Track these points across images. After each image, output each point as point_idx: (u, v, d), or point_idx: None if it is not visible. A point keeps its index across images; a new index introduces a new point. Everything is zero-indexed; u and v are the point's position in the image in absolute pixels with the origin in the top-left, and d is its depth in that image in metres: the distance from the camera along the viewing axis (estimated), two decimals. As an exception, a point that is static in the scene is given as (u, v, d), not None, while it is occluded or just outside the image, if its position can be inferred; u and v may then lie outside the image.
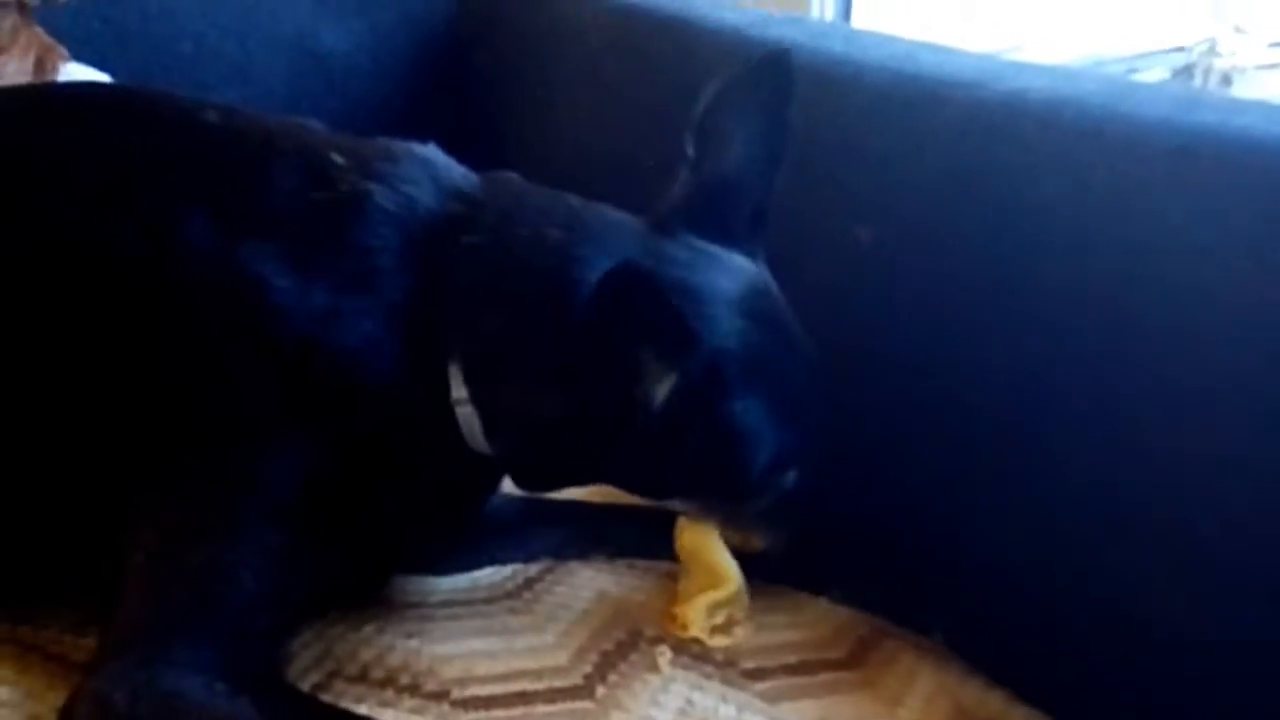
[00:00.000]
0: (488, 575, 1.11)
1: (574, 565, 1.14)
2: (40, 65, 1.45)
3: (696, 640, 1.03)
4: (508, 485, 1.16)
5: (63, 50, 1.45)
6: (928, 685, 1.03)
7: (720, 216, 0.98)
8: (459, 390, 0.91)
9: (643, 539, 1.15)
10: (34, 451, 0.92)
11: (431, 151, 0.98)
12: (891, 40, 1.37)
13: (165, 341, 0.89)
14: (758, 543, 1.08)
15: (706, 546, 1.06)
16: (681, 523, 1.08)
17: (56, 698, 0.86)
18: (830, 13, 1.85)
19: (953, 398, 1.15)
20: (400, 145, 0.97)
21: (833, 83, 1.26)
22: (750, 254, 0.99)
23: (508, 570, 1.12)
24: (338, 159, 0.93)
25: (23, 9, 1.40)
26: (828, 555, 1.17)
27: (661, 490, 1.01)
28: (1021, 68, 1.24)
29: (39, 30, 1.43)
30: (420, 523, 1.01)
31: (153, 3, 1.59)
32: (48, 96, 1.08)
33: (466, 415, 0.92)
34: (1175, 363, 0.96)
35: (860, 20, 1.89)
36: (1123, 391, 0.99)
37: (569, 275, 0.90)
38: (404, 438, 0.94)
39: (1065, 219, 1.04)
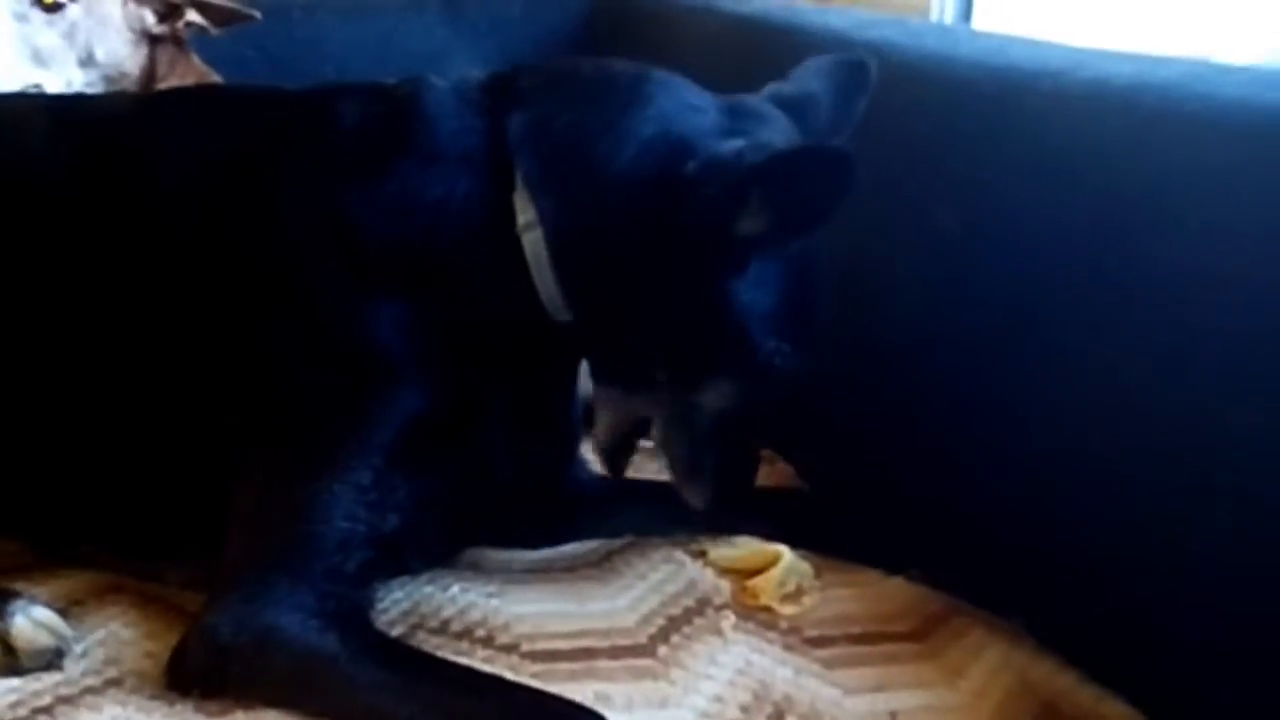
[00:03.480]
0: (571, 549, 1.18)
1: (654, 541, 1.19)
2: (198, 90, 1.60)
3: (766, 609, 1.07)
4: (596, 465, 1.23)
5: (217, 77, 1.60)
6: (994, 659, 1.03)
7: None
8: (526, 213, 0.97)
9: (721, 516, 1.19)
10: (154, 415, 1.02)
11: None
12: (985, 35, 1.39)
13: (267, 283, 0.99)
14: (680, 481, 1.08)
15: None
16: None
17: (172, 639, 0.96)
18: (950, 18, 1.85)
19: (1038, 383, 1.15)
20: None
21: (924, 77, 1.28)
22: None
23: (592, 544, 1.18)
24: (391, 82, 1.04)
25: (179, 42, 1.56)
26: (907, 535, 1.19)
27: (687, 351, 1.01)
28: (1108, 55, 1.23)
29: (196, 59, 1.59)
30: (502, 457, 1.05)
31: (300, 31, 1.74)
32: (160, 97, 1.21)
33: (534, 241, 0.96)
34: (1258, 356, 0.95)
35: (982, 25, 1.88)
36: (1204, 382, 0.98)
37: (645, 106, 0.97)
38: (481, 313, 0.99)
39: (1145, 201, 1.04)
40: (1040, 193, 1.14)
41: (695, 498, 1.06)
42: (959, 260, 1.22)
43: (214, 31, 1.56)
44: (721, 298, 0.96)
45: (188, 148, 1.04)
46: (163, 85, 1.52)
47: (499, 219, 0.97)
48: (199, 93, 1.16)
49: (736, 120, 1.00)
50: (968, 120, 1.23)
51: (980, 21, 1.87)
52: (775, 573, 1.09)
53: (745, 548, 1.15)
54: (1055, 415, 1.13)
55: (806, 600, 1.08)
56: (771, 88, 1.08)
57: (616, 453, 1.11)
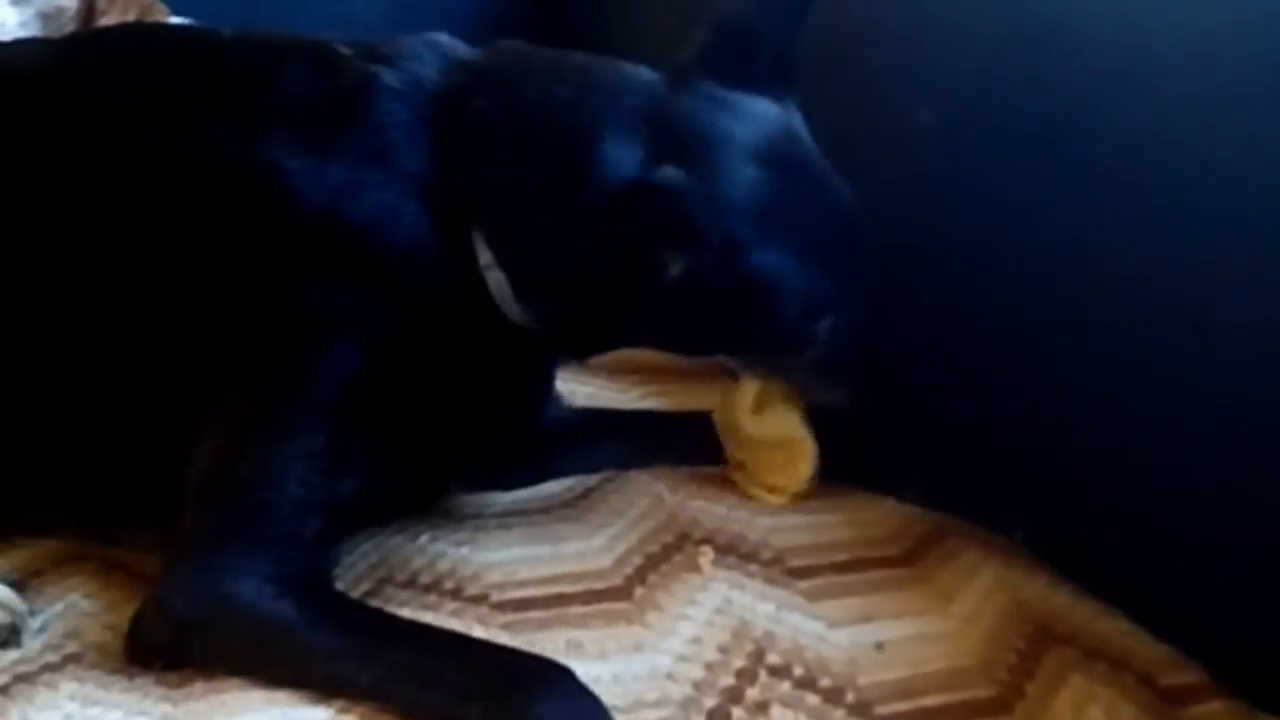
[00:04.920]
0: (548, 487, 1.14)
1: (634, 474, 1.15)
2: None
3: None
4: (575, 399, 1.19)
5: (162, 6, 1.53)
6: (987, 581, 1.00)
7: (740, 61, 0.97)
8: (485, 255, 0.94)
9: (707, 444, 1.15)
10: (103, 378, 0.97)
11: (438, 35, 1.01)
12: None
13: (207, 249, 0.94)
14: (816, 396, 1.08)
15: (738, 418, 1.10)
16: (742, 407, 1.10)
17: (133, 609, 0.92)
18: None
19: (1023, 286, 1.10)
20: (409, 35, 1.00)
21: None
22: (776, 98, 0.98)
23: (569, 482, 1.14)
24: (344, 50, 0.97)
25: None
26: (897, 452, 1.15)
27: (700, 347, 1.04)
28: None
29: None
30: (471, 417, 1.03)
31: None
32: (82, 41, 1.15)
33: (496, 280, 0.95)
34: (1255, 224, 0.90)
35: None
36: (1201, 260, 0.94)
37: (581, 138, 0.92)
38: (439, 311, 0.96)
39: (1126, 82, 0.98)
40: (1015, 82, 1.09)
41: (833, 401, 1.07)
42: (937, 156, 1.17)
43: None
44: (696, 309, 0.94)
45: (111, 98, 0.97)
46: (103, 20, 1.46)
47: (453, 250, 0.94)
48: (124, 37, 1.09)
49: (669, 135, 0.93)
50: (940, 12, 1.16)
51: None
52: (804, 468, 1.09)
53: (774, 425, 1.11)
54: (1042, 319, 1.09)
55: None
56: (718, 21, 0.99)
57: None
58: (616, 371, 1.35)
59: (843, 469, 1.13)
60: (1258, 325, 0.89)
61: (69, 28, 1.46)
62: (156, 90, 0.97)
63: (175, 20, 1.53)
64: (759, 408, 1.10)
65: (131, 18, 1.50)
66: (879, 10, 1.23)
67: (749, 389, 1.10)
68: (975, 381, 1.15)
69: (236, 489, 0.92)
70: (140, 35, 1.07)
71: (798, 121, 0.98)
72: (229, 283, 0.93)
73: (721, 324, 0.97)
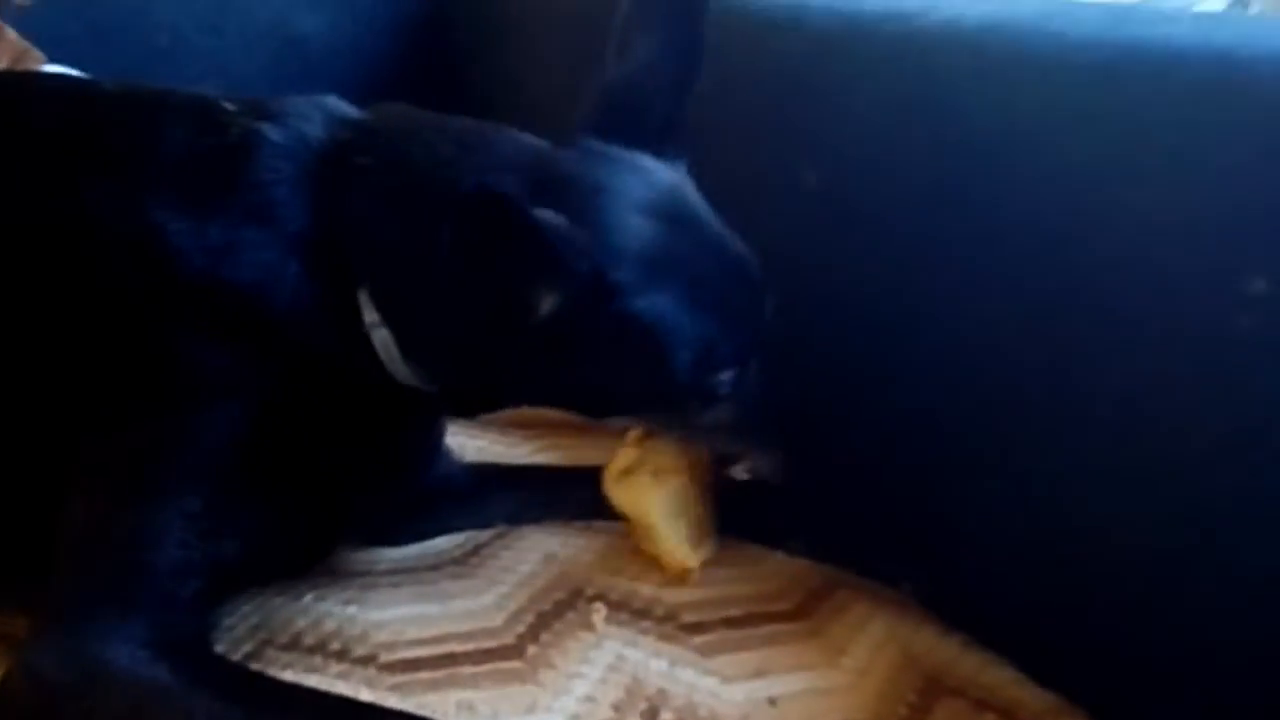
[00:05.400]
0: (438, 544, 1.11)
1: (526, 530, 1.13)
2: (15, 69, 1.48)
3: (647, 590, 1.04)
4: (466, 453, 1.17)
5: (38, 53, 1.48)
6: (878, 633, 1.01)
7: (628, 122, 0.96)
8: (370, 314, 0.91)
9: (600, 501, 1.14)
10: None
11: (326, 97, 0.99)
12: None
13: (81, 306, 0.90)
14: (743, 470, 1.06)
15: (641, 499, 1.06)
16: (611, 473, 1.07)
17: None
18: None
19: (909, 336, 1.12)
20: (296, 95, 0.98)
21: (775, 26, 1.24)
22: (665, 158, 0.97)
23: (460, 538, 1.12)
24: (229, 106, 0.95)
25: None
26: (788, 506, 1.15)
27: (593, 404, 0.98)
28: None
29: (11, 35, 1.45)
30: (357, 478, 1.01)
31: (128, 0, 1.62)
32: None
33: (382, 339, 0.92)
34: (1117, 289, 0.93)
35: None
36: (1073, 321, 0.96)
37: (458, 190, 0.86)
38: (324, 371, 0.93)
39: (998, 144, 1.00)
40: (898, 141, 1.11)
41: (765, 474, 1.04)
42: (824, 218, 1.18)
43: (23, 2, 1.43)
44: (577, 356, 0.89)
45: None
46: None
47: (338, 309, 0.91)
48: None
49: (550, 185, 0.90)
50: (821, 70, 1.18)
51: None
52: (668, 549, 1.06)
53: (631, 499, 1.07)
54: (931, 369, 1.10)
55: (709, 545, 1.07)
56: (606, 86, 0.99)
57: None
58: (507, 426, 1.33)
59: (732, 522, 1.13)
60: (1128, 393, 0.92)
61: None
62: (35, 140, 0.93)
63: (51, 69, 1.49)
64: (624, 476, 1.07)
65: (3, 64, 1.45)
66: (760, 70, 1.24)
67: (623, 455, 1.07)
68: (862, 436, 1.16)
69: (111, 548, 0.88)
70: (16, 82, 1.03)
71: (685, 180, 0.97)
72: (107, 339, 0.90)
73: (607, 375, 0.92)
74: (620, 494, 1.06)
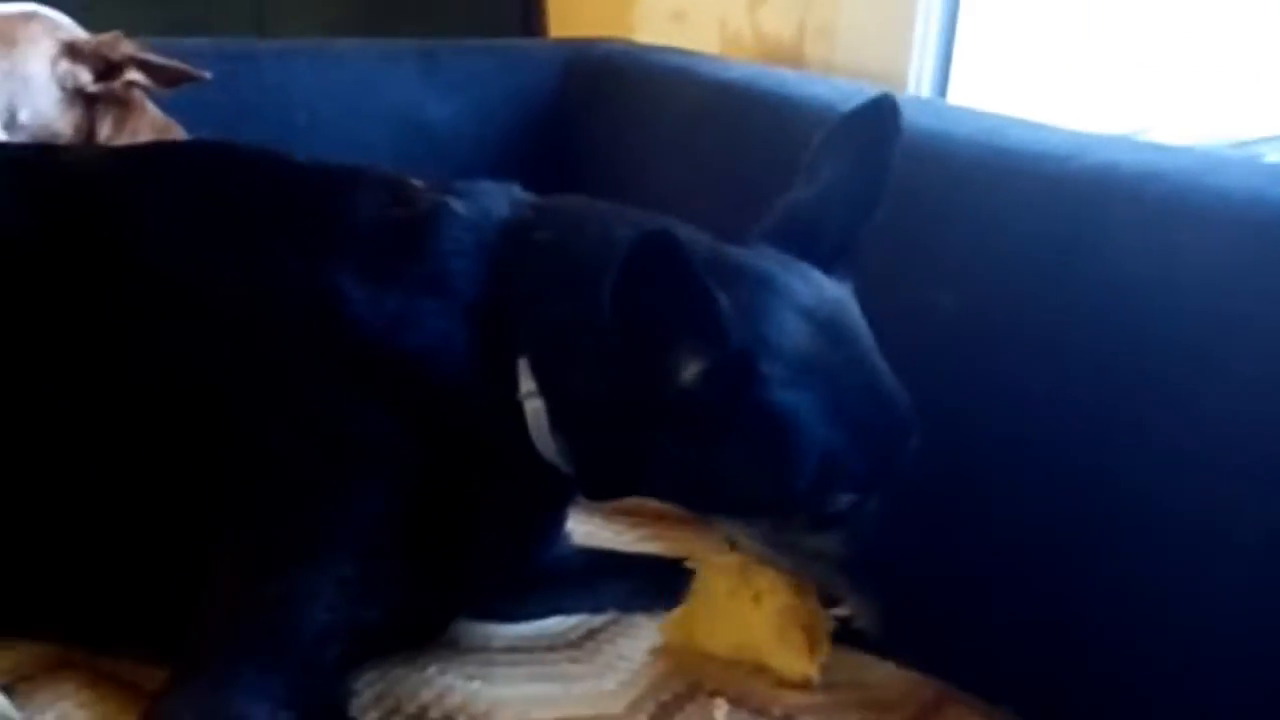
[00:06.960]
0: (553, 625, 1.12)
1: (639, 618, 1.14)
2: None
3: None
4: (575, 536, 1.19)
5: (179, 128, 1.52)
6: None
7: (803, 235, 0.98)
8: (528, 383, 0.93)
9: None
10: (116, 492, 0.96)
11: (513, 183, 1.04)
12: (982, 115, 1.38)
13: (252, 367, 0.94)
14: (844, 609, 1.04)
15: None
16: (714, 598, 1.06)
17: (128, 720, 0.90)
18: (926, 88, 1.85)
19: (1033, 464, 1.13)
20: (484, 180, 1.03)
21: (922, 155, 1.25)
22: (834, 276, 0.98)
23: (573, 620, 1.13)
24: (417, 184, 1.00)
25: (125, 104, 1.44)
26: (899, 617, 1.15)
27: (707, 495, 0.97)
28: (1113, 141, 1.23)
29: (153, 111, 1.48)
30: (489, 552, 1.02)
31: (270, 78, 1.69)
32: (150, 153, 1.16)
33: (534, 409, 0.93)
34: (1254, 447, 0.93)
35: (957, 97, 1.88)
36: (1212, 470, 0.96)
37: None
38: (474, 445, 0.96)
39: (1150, 292, 1.02)
40: (1042, 276, 1.11)
41: (863, 624, 1.01)
42: (957, 341, 1.20)
43: (160, 91, 1.46)
44: (712, 437, 0.90)
45: (176, 212, 0.99)
46: (112, 144, 1.44)
47: (498, 377, 0.94)
48: (194, 151, 1.11)
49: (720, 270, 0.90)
50: (967, 202, 1.20)
51: (955, 96, 1.87)
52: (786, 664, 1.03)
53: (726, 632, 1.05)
54: (1052, 499, 1.11)
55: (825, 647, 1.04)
56: (788, 202, 1.01)
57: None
58: (614, 513, 1.35)
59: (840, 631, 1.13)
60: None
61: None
62: (228, 206, 0.98)
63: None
64: (726, 601, 1.05)
65: (144, 139, 1.47)
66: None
67: (722, 579, 1.05)
68: (972, 549, 1.17)
69: (260, 607, 0.90)
70: (215, 151, 1.08)
71: (851, 300, 0.98)
72: (274, 399, 0.93)
73: (729, 463, 0.91)
74: (725, 625, 1.05)
